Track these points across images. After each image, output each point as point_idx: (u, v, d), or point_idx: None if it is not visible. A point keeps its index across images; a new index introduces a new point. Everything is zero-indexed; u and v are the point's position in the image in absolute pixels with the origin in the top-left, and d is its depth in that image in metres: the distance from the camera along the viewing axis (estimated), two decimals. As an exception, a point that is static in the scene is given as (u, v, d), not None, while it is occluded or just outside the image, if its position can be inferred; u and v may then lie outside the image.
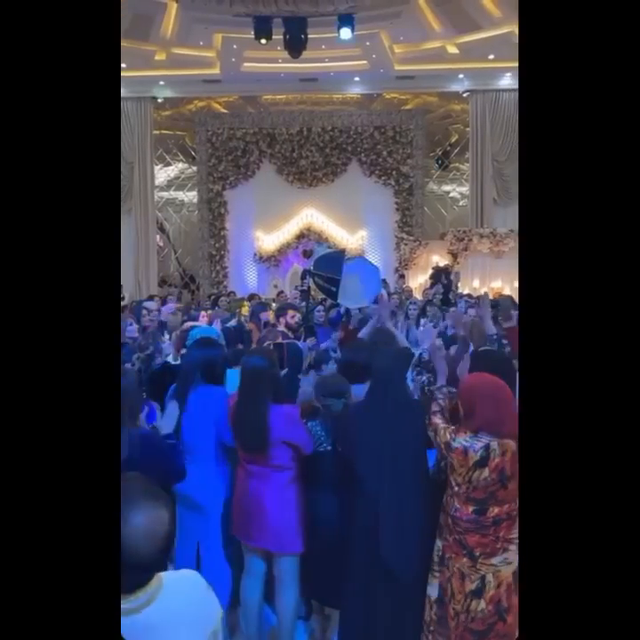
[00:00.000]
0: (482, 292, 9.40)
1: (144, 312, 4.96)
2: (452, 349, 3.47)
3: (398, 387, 2.50)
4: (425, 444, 2.39)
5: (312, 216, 12.04)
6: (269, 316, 5.29)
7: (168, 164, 12.79)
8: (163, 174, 12.78)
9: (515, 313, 3.35)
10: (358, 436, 2.43)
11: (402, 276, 10.93)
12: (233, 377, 2.90)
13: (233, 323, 4.79)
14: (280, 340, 3.58)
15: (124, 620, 1.10)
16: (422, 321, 5.05)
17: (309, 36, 8.66)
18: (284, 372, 2.94)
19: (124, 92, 10.84)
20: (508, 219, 11.31)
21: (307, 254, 11.34)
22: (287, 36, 8.62)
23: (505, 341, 3.07)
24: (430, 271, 9.51)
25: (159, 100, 12.02)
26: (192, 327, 3.96)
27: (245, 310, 6.39)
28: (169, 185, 12.85)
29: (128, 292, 10.76)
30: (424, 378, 2.62)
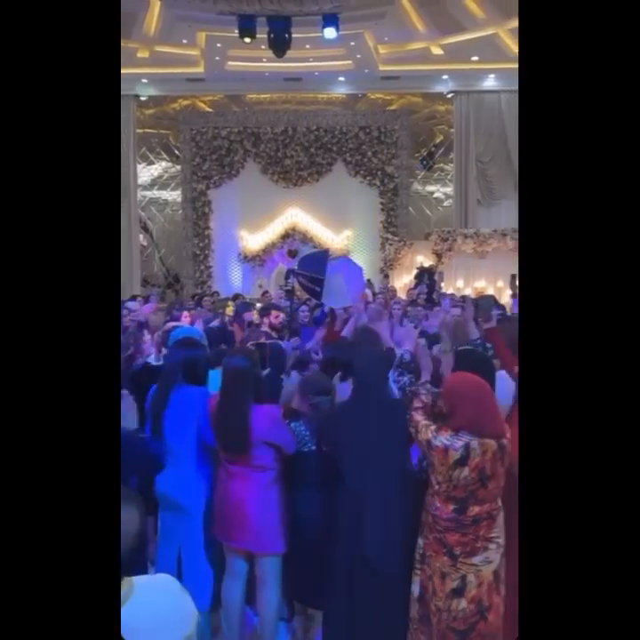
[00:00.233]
0: (466, 291, 9.48)
1: (125, 312, 4.91)
2: (435, 349, 3.49)
3: (381, 387, 2.51)
4: (408, 443, 2.40)
5: (297, 216, 12.03)
6: (253, 316, 5.27)
7: (151, 163, 12.70)
8: (146, 173, 12.68)
9: (495, 313, 3.37)
10: (342, 436, 2.43)
11: (386, 276, 10.97)
12: (215, 377, 2.88)
13: (216, 323, 4.76)
14: (263, 340, 3.56)
15: None
16: (404, 322, 5.08)
17: (294, 36, 8.64)
18: (266, 372, 2.92)
19: (106, 90, 10.72)
20: (491, 219, 11.42)
21: (292, 254, 11.35)
22: (271, 36, 8.59)
23: (488, 344, 3.08)
24: (415, 271, 9.56)
25: (142, 99, 11.94)
26: (174, 327, 3.93)
27: (230, 310, 6.36)
28: (152, 184, 12.75)
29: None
30: (405, 379, 2.63)
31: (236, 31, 8.60)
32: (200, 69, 10.94)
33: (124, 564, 1.17)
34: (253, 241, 12.08)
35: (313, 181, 11.97)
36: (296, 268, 5.05)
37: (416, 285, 8.38)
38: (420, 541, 2.27)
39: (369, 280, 8.86)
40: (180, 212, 12.27)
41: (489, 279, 10.30)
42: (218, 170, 12.00)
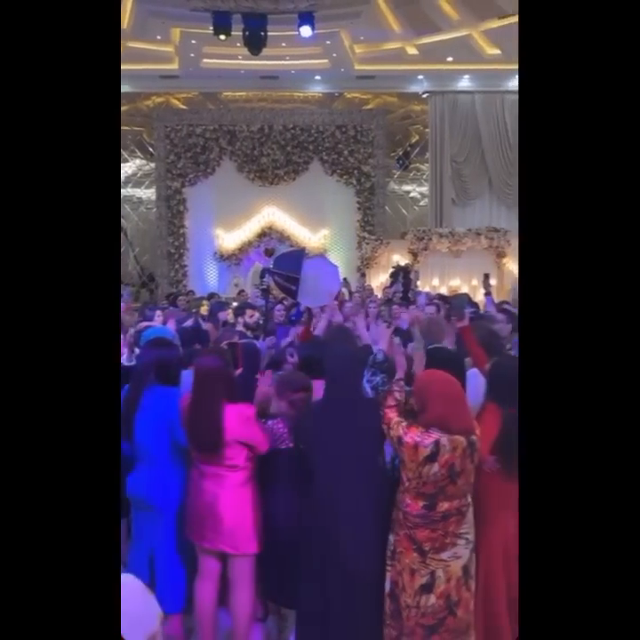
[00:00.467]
0: (441, 290, 9.58)
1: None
2: (410, 347, 3.52)
3: (353, 384, 2.52)
4: (381, 441, 2.41)
5: (273, 214, 11.98)
6: (228, 315, 5.24)
7: (125, 161, 12.51)
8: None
9: (467, 311, 3.41)
10: (314, 434, 2.43)
11: (363, 275, 11.01)
12: (188, 378, 2.86)
13: (189, 322, 4.72)
14: (236, 339, 3.54)
15: None
16: (378, 321, 5.10)
17: (269, 34, 8.61)
18: (238, 371, 2.91)
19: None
20: (466, 219, 11.55)
21: (268, 253, 11.30)
22: (247, 33, 8.54)
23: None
24: (391, 270, 9.62)
25: (115, 95, 11.76)
26: (146, 327, 3.89)
27: (205, 309, 6.31)
28: (126, 182, 12.56)
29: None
30: (378, 378, 2.64)
31: (211, 28, 8.54)
32: (174, 66, 10.81)
33: None
34: (229, 240, 11.99)
35: (289, 180, 11.94)
36: (271, 266, 5.03)
37: (392, 284, 8.43)
38: (391, 538, 2.28)
39: (345, 279, 8.88)
40: (155, 210, 12.12)
41: (464, 278, 10.43)
42: (193, 168, 11.88)
